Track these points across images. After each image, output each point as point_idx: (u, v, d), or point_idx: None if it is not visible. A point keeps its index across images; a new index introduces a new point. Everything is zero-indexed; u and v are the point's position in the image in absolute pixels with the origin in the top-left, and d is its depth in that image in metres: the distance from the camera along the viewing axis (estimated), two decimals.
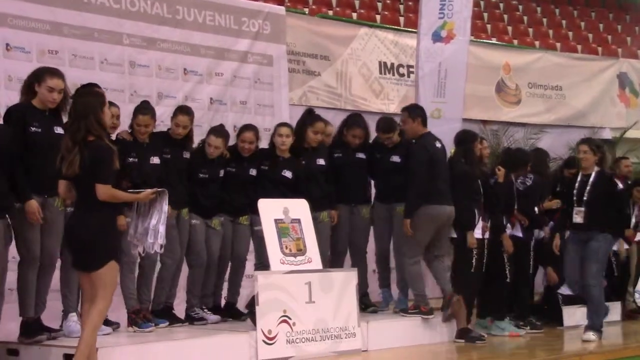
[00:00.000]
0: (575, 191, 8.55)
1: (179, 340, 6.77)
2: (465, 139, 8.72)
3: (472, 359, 7.73)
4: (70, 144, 5.53)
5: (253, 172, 7.84)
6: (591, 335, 8.43)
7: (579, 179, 8.62)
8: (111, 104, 6.59)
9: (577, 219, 8.52)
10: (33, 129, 6.20)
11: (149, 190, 5.91)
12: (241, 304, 7.95)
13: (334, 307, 7.36)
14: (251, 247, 8.01)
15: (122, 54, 8.82)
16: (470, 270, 8.39)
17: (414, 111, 8.43)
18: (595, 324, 8.53)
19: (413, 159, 8.13)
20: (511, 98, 13.43)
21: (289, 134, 7.97)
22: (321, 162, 8.19)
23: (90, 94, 5.78)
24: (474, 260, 8.39)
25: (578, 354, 7.88)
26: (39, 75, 6.33)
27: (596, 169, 8.56)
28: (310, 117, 8.32)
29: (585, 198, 8.48)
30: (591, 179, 8.53)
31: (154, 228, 5.98)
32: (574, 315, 9.45)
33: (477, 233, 8.45)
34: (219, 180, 7.64)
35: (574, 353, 7.98)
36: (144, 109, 7.23)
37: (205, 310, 7.61)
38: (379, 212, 8.47)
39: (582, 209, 8.49)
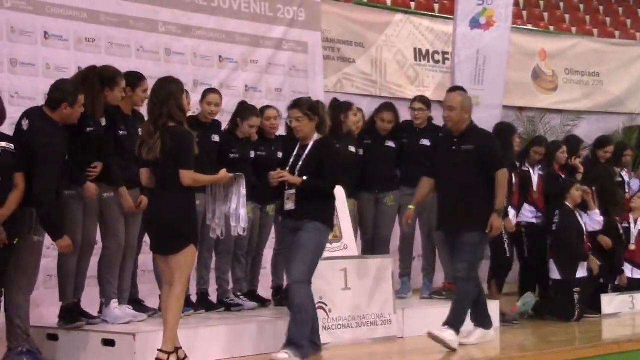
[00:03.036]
0: (287, 169, 6.44)
1: (216, 326, 6.79)
2: (503, 130, 8.84)
3: (508, 344, 7.70)
4: (152, 129, 5.71)
5: (280, 155, 7.85)
6: (283, 354, 6.12)
7: (294, 152, 6.51)
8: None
9: (289, 204, 6.39)
10: (88, 129, 6.25)
11: (226, 172, 6.02)
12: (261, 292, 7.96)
13: (370, 294, 7.36)
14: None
15: (158, 42, 8.90)
16: (504, 255, 8.50)
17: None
18: (294, 338, 6.21)
19: None
20: (548, 84, 13.34)
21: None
22: (352, 149, 8.20)
23: (172, 81, 5.91)
24: (506, 246, 8.47)
25: (616, 342, 7.81)
26: (110, 80, 6.42)
27: (315, 137, 6.47)
28: (342, 105, 8.28)
29: (313, 184, 6.37)
30: (306, 151, 6.45)
31: (235, 212, 6.13)
32: (612, 303, 9.36)
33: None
34: (250, 161, 7.64)
35: (612, 341, 7.91)
36: None
37: (240, 296, 7.64)
38: (408, 197, 8.25)
39: (293, 191, 6.37)
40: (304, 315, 6.24)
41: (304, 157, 6.40)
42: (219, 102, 7.54)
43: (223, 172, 6.03)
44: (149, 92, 6.44)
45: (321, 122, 6.45)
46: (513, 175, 8.81)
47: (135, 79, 6.75)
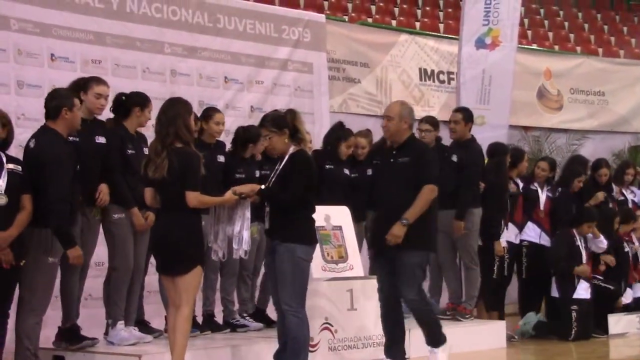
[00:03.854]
0: (263, 187, 6.15)
1: (221, 347, 6.78)
2: (497, 151, 8.92)
3: None
4: (159, 148, 5.72)
5: None
6: None
7: (276, 167, 6.24)
8: None
9: (266, 223, 6.21)
10: (71, 137, 6.21)
11: (232, 194, 6.00)
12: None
13: (376, 314, 7.32)
14: None
15: (164, 63, 8.91)
16: (492, 276, 8.69)
17: (469, 115, 8.56)
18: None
19: (472, 161, 8.27)
20: (553, 104, 13.36)
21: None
22: (346, 171, 8.24)
23: (180, 102, 5.94)
24: (495, 268, 8.67)
25: None
26: (84, 84, 6.42)
27: (292, 149, 6.14)
28: (343, 132, 8.33)
29: (267, 194, 6.10)
30: (281, 166, 6.16)
31: (238, 234, 6.11)
32: (619, 323, 9.33)
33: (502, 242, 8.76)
34: (255, 181, 7.62)
35: None
36: None
37: (246, 317, 7.63)
38: None
39: (268, 208, 6.17)
40: (294, 343, 6.08)
41: (278, 171, 6.15)
42: (224, 121, 7.58)
43: (229, 194, 6.03)
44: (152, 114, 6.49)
45: (292, 132, 6.12)
46: (507, 195, 8.89)
47: (143, 99, 6.79)
